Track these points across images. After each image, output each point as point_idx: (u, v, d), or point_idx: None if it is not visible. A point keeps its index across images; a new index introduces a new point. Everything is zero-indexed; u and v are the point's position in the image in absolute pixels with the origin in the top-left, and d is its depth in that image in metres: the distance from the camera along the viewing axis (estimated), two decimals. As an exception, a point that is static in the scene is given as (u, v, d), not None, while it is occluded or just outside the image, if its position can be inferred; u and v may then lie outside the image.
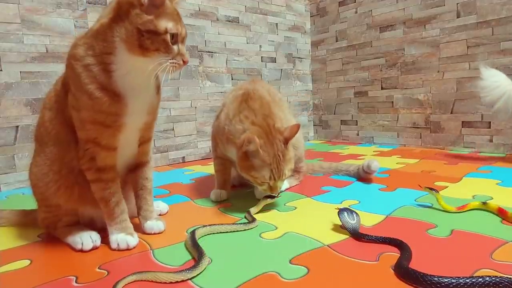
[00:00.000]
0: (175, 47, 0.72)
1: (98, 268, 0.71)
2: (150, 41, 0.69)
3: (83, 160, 0.79)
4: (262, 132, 0.98)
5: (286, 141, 1.00)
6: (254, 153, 0.96)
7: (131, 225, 0.83)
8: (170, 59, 0.71)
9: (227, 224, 0.89)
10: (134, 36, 0.69)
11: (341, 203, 1.08)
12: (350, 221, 0.83)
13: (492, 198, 1.04)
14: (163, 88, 1.87)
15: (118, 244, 0.79)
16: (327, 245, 0.77)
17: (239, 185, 1.34)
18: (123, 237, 0.80)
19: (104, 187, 0.79)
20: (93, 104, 0.73)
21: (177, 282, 0.64)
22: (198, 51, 2.00)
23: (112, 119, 0.75)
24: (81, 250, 0.79)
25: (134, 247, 0.80)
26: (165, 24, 0.70)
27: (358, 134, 2.43)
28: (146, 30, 0.69)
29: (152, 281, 0.65)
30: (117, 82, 0.74)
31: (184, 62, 0.74)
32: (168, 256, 0.76)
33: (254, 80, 1.25)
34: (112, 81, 0.73)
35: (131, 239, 0.80)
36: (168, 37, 0.70)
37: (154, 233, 0.88)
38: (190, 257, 0.73)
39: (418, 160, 1.70)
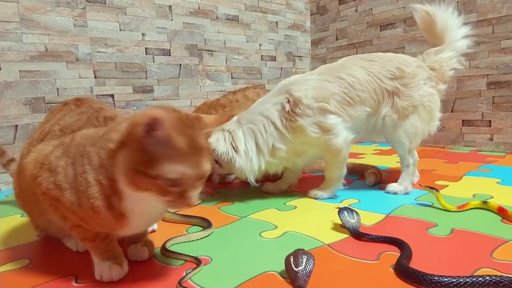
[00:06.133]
0: (174, 189, 0.57)
1: (98, 267, 0.71)
2: (142, 180, 0.56)
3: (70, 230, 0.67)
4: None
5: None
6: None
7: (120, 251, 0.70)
8: (167, 198, 0.58)
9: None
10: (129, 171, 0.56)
11: (341, 202, 1.08)
12: (350, 220, 0.83)
13: (492, 197, 1.04)
14: (163, 86, 1.86)
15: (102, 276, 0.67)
16: (327, 244, 0.77)
17: (242, 184, 1.34)
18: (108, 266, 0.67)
19: (95, 245, 0.68)
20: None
21: (205, 237, 0.85)
22: (198, 50, 1.99)
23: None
24: (78, 251, 0.79)
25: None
26: (164, 168, 0.55)
27: (358, 133, 2.43)
28: (138, 169, 0.56)
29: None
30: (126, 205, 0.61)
31: (187, 206, 0.59)
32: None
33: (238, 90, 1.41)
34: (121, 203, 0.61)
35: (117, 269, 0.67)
36: (164, 181, 0.55)
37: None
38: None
39: (419, 159, 1.69)
